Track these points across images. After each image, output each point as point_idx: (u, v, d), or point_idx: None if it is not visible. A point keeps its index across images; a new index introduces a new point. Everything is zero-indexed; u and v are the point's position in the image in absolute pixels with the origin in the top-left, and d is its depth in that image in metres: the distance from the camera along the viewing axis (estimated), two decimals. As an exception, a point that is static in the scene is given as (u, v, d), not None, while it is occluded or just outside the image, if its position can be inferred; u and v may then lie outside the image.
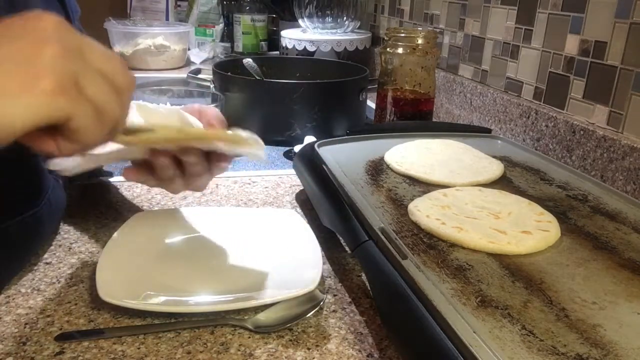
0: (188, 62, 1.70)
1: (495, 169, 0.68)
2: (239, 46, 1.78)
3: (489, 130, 0.84)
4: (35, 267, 0.56)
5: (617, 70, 0.73)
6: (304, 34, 1.49)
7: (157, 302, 0.49)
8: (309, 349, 0.46)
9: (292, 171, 0.75)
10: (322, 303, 0.50)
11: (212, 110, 0.56)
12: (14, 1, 0.51)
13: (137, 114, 0.47)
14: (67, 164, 0.45)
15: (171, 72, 1.60)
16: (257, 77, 1.08)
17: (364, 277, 0.57)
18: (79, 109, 0.33)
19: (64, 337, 0.45)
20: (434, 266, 0.46)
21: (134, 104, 0.48)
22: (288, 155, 0.92)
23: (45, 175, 0.56)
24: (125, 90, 0.37)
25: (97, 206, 0.71)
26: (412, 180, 0.65)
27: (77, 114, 0.33)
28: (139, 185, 0.78)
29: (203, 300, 0.51)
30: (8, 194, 0.52)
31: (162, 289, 0.51)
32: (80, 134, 0.34)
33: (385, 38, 0.95)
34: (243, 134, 0.48)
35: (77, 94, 0.33)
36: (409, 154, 0.71)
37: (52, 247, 0.60)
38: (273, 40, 1.82)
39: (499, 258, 0.48)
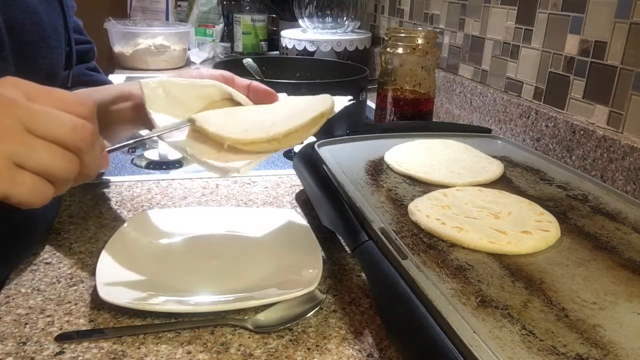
0: (188, 62, 1.70)
1: (495, 169, 0.68)
2: (239, 46, 1.78)
3: (489, 130, 0.84)
4: (35, 267, 0.56)
5: (617, 70, 0.73)
6: (304, 34, 1.49)
7: (157, 302, 0.49)
8: (309, 349, 0.46)
9: (292, 171, 0.75)
10: (322, 303, 0.50)
11: (260, 87, 0.60)
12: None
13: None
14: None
15: (171, 72, 1.60)
16: (257, 77, 1.08)
17: (364, 277, 0.57)
18: (14, 188, 0.37)
19: (64, 337, 0.45)
20: (434, 266, 0.46)
21: (158, 81, 0.53)
22: (288, 155, 0.92)
23: None
24: (82, 146, 0.39)
25: (97, 206, 0.71)
26: (412, 180, 0.65)
27: (12, 193, 0.37)
28: (139, 185, 0.78)
29: (203, 300, 0.51)
30: None
31: (162, 289, 0.51)
32: (24, 204, 0.38)
33: (385, 38, 0.95)
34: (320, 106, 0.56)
35: (11, 175, 0.36)
36: (409, 154, 0.71)
37: (52, 247, 0.60)
38: (273, 40, 1.82)
39: (499, 258, 0.48)
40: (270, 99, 0.60)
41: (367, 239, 0.51)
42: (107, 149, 0.45)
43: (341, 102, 0.60)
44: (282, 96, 0.62)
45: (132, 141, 0.51)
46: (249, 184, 0.80)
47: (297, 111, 0.56)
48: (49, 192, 0.39)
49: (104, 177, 0.79)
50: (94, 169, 0.42)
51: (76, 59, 0.70)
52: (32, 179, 0.37)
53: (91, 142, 0.40)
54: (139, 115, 0.59)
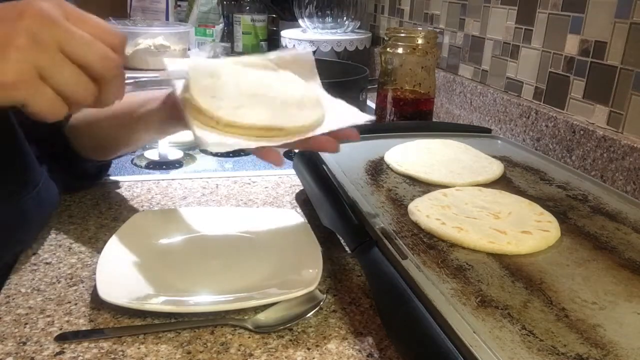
0: (188, 62, 1.70)
1: (495, 169, 0.68)
2: (239, 46, 1.78)
3: (489, 130, 0.84)
4: (36, 267, 0.56)
5: (617, 70, 0.73)
6: (304, 34, 1.49)
7: (157, 302, 0.49)
8: (309, 349, 0.46)
9: (292, 171, 0.75)
10: (322, 303, 0.50)
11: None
12: None
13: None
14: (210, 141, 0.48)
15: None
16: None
17: (364, 277, 0.57)
18: (35, 98, 0.39)
19: (64, 337, 0.45)
20: (434, 266, 0.46)
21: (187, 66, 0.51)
22: (288, 155, 0.92)
23: (34, 170, 0.58)
24: (107, 75, 0.42)
25: (97, 206, 0.71)
26: (412, 180, 0.65)
27: (31, 103, 0.39)
28: (139, 185, 0.78)
29: (203, 300, 0.51)
30: None
31: (162, 289, 0.51)
32: (37, 115, 0.40)
33: (385, 38, 0.95)
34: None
35: (36, 86, 0.39)
36: (409, 154, 0.71)
37: (52, 247, 0.60)
38: (273, 40, 1.82)
39: (499, 258, 0.48)
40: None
41: (367, 239, 0.51)
42: (125, 81, 0.46)
43: (357, 117, 0.55)
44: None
45: (144, 76, 0.51)
46: (249, 184, 0.81)
47: (288, 105, 0.52)
48: (63, 110, 0.41)
49: (104, 178, 0.79)
50: (111, 98, 0.44)
51: None
52: (52, 94, 0.39)
53: (115, 73, 0.42)
54: (168, 115, 0.58)
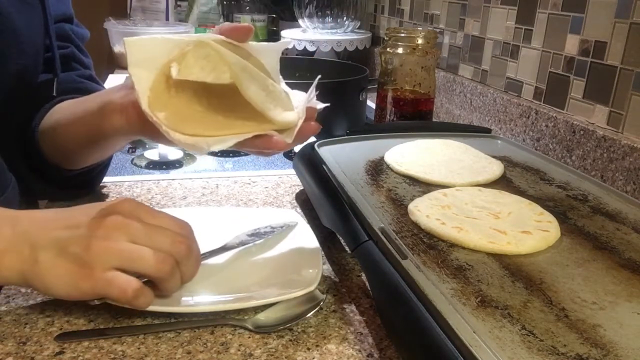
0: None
1: (495, 169, 0.68)
2: (239, 46, 1.78)
3: (489, 130, 0.84)
4: (35, 267, 0.56)
5: (617, 70, 0.73)
6: (304, 34, 1.49)
7: (157, 302, 0.49)
8: (309, 349, 0.46)
9: (292, 171, 0.75)
10: (322, 303, 0.50)
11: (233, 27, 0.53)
12: None
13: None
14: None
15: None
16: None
17: (364, 277, 0.57)
18: (108, 289, 0.44)
19: (64, 337, 0.45)
20: (434, 266, 0.46)
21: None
22: (288, 155, 0.92)
23: (3, 174, 0.58)
24: (178, 256, 0.47)
25: (97, 206, 0.70)
26: (412, 180, 0.65)
27: (107, 293, 0.45)
28: (139, 185, 0.78)
29: (203, 300, 0.51)
30: None
31: (162, 289, 0.51)
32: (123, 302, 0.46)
33: (385, 38, 0.95)
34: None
35: (105, 281, 0.44)
36: (409, 154, 0.71)
37: (52, 247, 0.60)
38: (273, 40, 1.82)
39: (499, 258, 0.48)
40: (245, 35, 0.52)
41: (367, 239, 0.51)
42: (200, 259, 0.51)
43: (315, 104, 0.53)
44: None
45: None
46: (249, 184, 0.80)
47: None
48: (149, 296, 0.46)
49: (104, 178, 0.79)
50: (189, 276, 0.49)
51: (63, 65, 0.69)
52: (135, 280, 0.45)
53: (187, 254, 0.47)
54: (132, 122, 0.54)
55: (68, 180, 0.67)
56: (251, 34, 0.51)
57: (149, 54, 0.48)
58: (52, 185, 0.67)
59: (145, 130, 0.53)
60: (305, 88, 0.56)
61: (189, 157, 0.90)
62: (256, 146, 0.49)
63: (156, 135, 0.50)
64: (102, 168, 0.72)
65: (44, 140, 0.64)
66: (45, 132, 0.64)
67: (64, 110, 0.64)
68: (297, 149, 0.74)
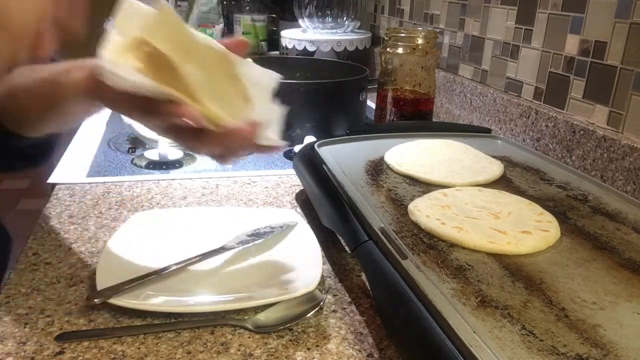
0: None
1: (495, 169, 0.68)
2: (239, 46, 1.78)
3: (489, 130, 0.84)
4: (36, 267, 0.56)
5: (617, 70, 0.73)
6: (304, 34, 1.49)
7: (157, 302, 0.49)
8: (309, 349, 0.46)
9: (292, 171, 0.75)
10: (322, 303, 0.50)
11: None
12: None
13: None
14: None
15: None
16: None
17: (364, 277, 0.57)
18: None
19: (64, 337, 0.45)
20: (434, 266, 0.46)
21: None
22: (288, 155, 0.92)
23: None
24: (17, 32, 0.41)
25: (97, 206, 0.71)
26: (412, 180, 0.65)
27: None
28: (139, 185, 0.78)
29: (203, 300, 0.51)
30: None
31: (162, 289, 0.51)
32: None
33: (385, 38, 0.95)
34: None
35: None
36: (409, 154, 0.71)
37: (52, 247, 0.60)
38: (273, 40, 1.82)
39: (499, 258, 0.48)
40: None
41: (367, 239, 0.51)
42: None
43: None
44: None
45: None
46: (249, 184, 0.81)
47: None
48: None
49: (104, 178, 0.79)
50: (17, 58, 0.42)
51: None
52: None
53: (29, 28, 0.41)
54: (93, 85, 0.52)
55: (22, 151, 0.65)
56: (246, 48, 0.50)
57: (134, 23, 0.49)
58: (6, 156, 0.65)
59: (103, 91, 0.50)
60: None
61: (189, 157, 0.90)
62: (169, 112, 0.46)
63: (113, 101, 0.50)
64: (55, 140, 0.70)
65: (4, 104, 0.61)
66: (4, 95, 0.61)
67: (25, 73, 0.61)
68: (297, 148, 0.74)
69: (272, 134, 0.50)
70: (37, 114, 0.61)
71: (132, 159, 0.88)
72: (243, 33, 1.76)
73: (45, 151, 0.70)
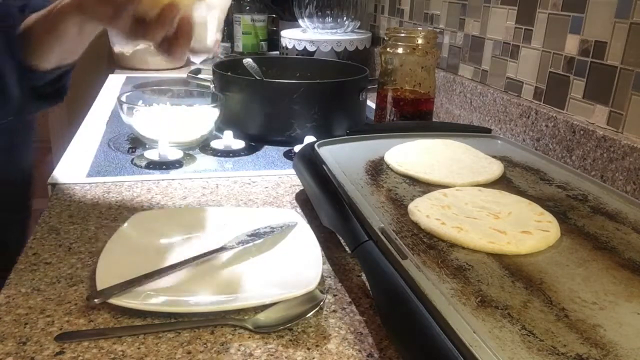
0: (188, 62, 1.70)
1: (495, 169, 0.68)
2: (239, 46, 1.78)
3: (489, 130, 0.84)
4: (36, 267, 0.56)
5: (617, 70, 0.73)
6: (304, 34, 1.49)
7: (157, 302, 0.49)
8: (309, 349, 0.46)
9: (292, 171, 0.75)
10: (322, 303, 0.50)
11: None
12: None
13: None
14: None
15: (171, 72, 1.60)
16: (257, 77, 1.08)
17: (364, 277, 0.57)
18: None
19: (64, 337, 0.45)
20: (434, 266, 0.46)
21: None
22: (288, 155, 0.92)
23: None
24: None
25: (97, 206, 0.71)
26: (412, 180, 0.65)
27: None
28: (139, 185, 0.78)
29: (203, 300, 0.51)
30: None
31: (162, 289, 0.51)
32: None
33: (385, 38, 0.95)
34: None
35: None
36: (409, 154, 0.71)
37: (52, 247, 0.60)
38: (273, 40, 1.82)
39: (499, 258, 0.48)
40: None
41: (367, 239, 0.51)
42: None
43: None
44: None
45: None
46: (249, 184, 0.81)
47: None
48: None
49: (104, 178, 0.79)
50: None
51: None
52: None
53: None
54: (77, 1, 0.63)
55: (38, 90, 0.72)
56: None
57: None
58: (24, 96, 0.71)
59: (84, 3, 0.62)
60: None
61: (189, 157, 0.90)
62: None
63: (93, 12, 0.62)
64: (66, 80, 0.77)
65: (23, 40, 0.68)
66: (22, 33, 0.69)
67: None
68: (297, 148, 0.74)
69: (208, 39, 0.63)
70: (45, 40, 0.69)
71: (132, 159, 0.88)
72: (243, 33, 1.76)
73: (59, 88, 0.77)
